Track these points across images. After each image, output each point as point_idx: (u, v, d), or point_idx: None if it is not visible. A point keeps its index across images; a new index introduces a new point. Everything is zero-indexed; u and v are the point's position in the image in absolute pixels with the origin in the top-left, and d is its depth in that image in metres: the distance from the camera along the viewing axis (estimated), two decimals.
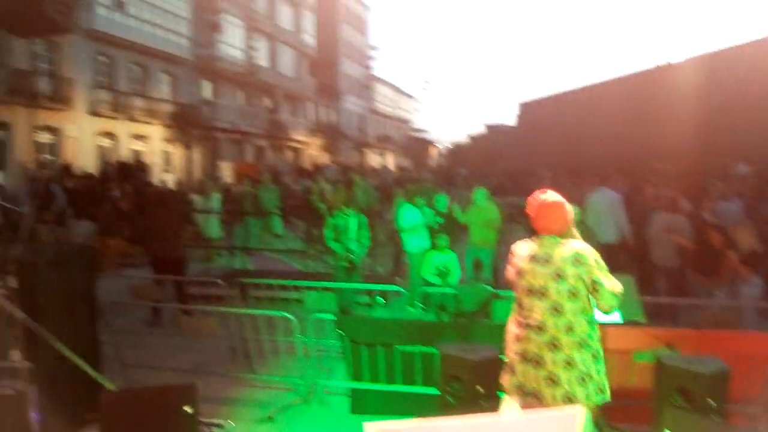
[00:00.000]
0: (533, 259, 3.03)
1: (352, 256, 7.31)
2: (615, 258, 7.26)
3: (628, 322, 3.96)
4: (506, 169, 31.29)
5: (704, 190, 10.37)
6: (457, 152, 53.34)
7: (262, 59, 32.77)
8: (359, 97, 50.10)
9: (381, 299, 7.16)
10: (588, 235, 6.26)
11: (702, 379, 3.82)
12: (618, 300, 2.98)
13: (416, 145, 55.37)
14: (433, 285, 7.20)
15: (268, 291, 6.96)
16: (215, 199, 13.33)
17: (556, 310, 2.96)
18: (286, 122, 35.63)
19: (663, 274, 8.43)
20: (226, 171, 26.28)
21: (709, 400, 3.83)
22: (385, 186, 17.33)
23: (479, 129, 60.51)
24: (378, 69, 62.00)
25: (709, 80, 23.27)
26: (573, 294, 2.95)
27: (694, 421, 3.70)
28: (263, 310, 5.57)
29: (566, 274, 2.95)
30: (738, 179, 14.11)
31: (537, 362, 2.99)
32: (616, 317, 3.87)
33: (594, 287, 2.96)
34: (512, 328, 3.15)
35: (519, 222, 10.86)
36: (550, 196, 3.12)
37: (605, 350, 4.19)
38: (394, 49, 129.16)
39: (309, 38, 39.57)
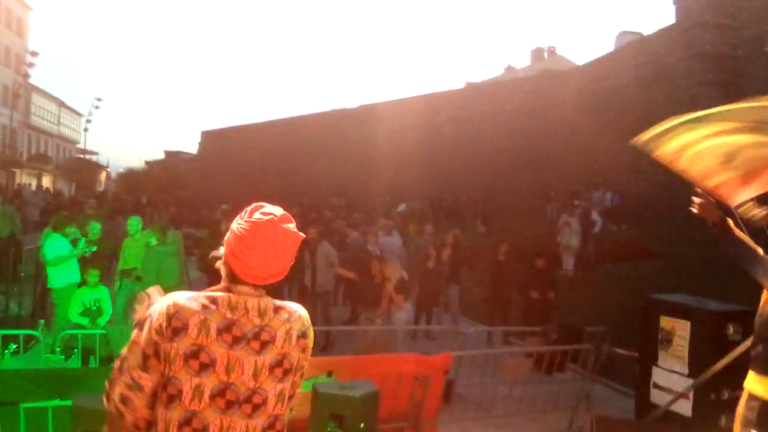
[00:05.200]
0: (234, 334, 1.57)
1: None
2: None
3: None
4: (184, 198, 30.28)
5: (370, 224, 11.44)
6: (129, 178, 49.98)
7: None
8: (9, 107, 42.57)
9: (12, 346, 5.83)
10: None
11: (353, 402, 3.97)
12: None
13: (81, 167, 49.28)
14: (80, 326, 6.23)
15: None
16: None
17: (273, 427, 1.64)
18: None
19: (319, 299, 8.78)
20: None
21: (361, 423, 4.00)
22: (46, 212, 14.73)
23: (157, 155, 58.42)
24: (38, 78, 54.05)
25: (377, 125, 26.40)
26: (289, 396, 1.72)
27: None
28: None
29: (294, 365, 1.68)
30: (398, 215, 16.06)
31: None
32: None
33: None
34: None
35: (195, 255, 10.30)
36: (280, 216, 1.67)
37: None
38: (61, 59, 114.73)
39: None
